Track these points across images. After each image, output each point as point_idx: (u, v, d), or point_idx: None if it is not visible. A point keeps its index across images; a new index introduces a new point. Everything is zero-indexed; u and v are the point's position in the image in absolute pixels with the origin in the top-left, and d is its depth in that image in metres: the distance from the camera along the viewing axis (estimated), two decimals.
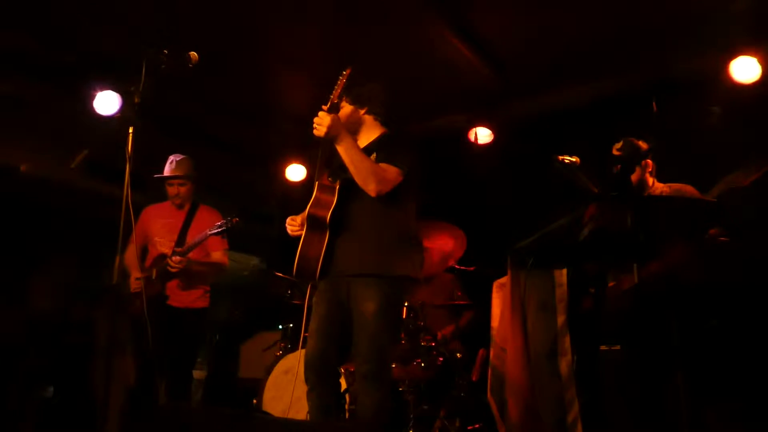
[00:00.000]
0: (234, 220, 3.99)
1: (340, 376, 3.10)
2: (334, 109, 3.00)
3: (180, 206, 4.34)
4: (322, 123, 2.92)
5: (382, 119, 3.29)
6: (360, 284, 3.00)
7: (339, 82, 3.02)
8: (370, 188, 2.97)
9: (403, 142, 3.19)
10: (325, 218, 3.02)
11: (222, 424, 2.48)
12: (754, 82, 4.48)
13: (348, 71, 3.02)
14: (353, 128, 3.24)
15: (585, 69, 5.02)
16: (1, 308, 5.10)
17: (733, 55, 4.50)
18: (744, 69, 4.48)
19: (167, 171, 4.28)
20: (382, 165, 3.05)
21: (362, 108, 3.25)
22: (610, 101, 5.17)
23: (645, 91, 4.87)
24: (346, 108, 3.22)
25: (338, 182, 3.08)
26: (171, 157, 4.33)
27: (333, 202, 3.03)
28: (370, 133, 3.27)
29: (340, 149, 2.99)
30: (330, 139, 2.96)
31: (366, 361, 2.95)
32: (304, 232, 3.09)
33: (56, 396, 5.08)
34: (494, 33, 4.76)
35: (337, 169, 3.12)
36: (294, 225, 3.17)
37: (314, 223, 3.06)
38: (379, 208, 3.05)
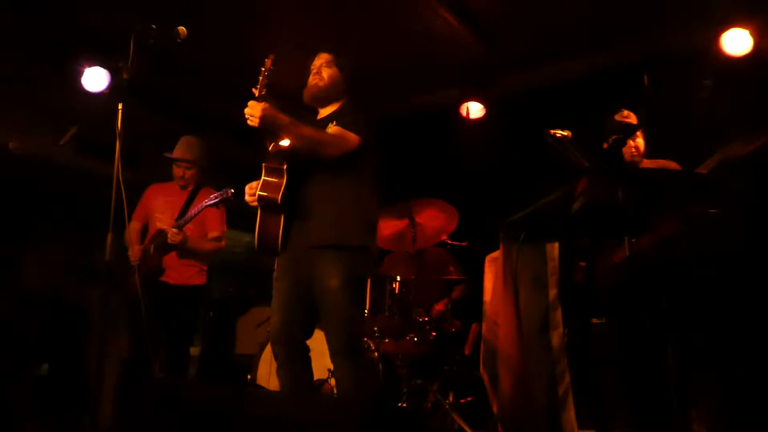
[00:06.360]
0: (230, 191, 3.97)
1: (308, 351, 3.08)
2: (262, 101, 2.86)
3: (183, 187, 4.36)
4: (254, 113, 2.81)
5: (348, 89, 3.27)
6: (320, 260, 2.96)
7: (262, 73, 2.91)
8: (325, 153, 2.93)
9: (362, 111, 3.14)
10: (276, 200, 2.96)
11: (216, 397, 2.49)
12: (746, 54, 4.43)
13: (270, 60, 2.93)
14: (336, 95, 3.22)
15: (576, 42, 5.00)
16: None
17: (725, 27, 4.45)
18: (736, 41, 4.43)
19: (177, 151, 4.30)
20: (338, 129, 3.01)
21: (345, 77, 3.23)
22: (602, 75, 5.15)
23: (636, 64, 4.85)
24: (334, 72, 3.19)
25: (285, 163, 3.01)
26: (183, 138, 4.35)
27: (282, 183, 2.97)
28: (337, 102, 3.25)
29: (283, 132, 2.91)
30: (267, 127, 2.87)
31: (336, 337, 2.94)
32: (258, 215, 3.04)
33: (50, 373, 5.09)
34: (484, 5, 4.72)
35: (283, 149, 3.04)
36: (252, 193, 3.05)
37: (267, 206, 3.01)
38: (332, 183, 3.02)
